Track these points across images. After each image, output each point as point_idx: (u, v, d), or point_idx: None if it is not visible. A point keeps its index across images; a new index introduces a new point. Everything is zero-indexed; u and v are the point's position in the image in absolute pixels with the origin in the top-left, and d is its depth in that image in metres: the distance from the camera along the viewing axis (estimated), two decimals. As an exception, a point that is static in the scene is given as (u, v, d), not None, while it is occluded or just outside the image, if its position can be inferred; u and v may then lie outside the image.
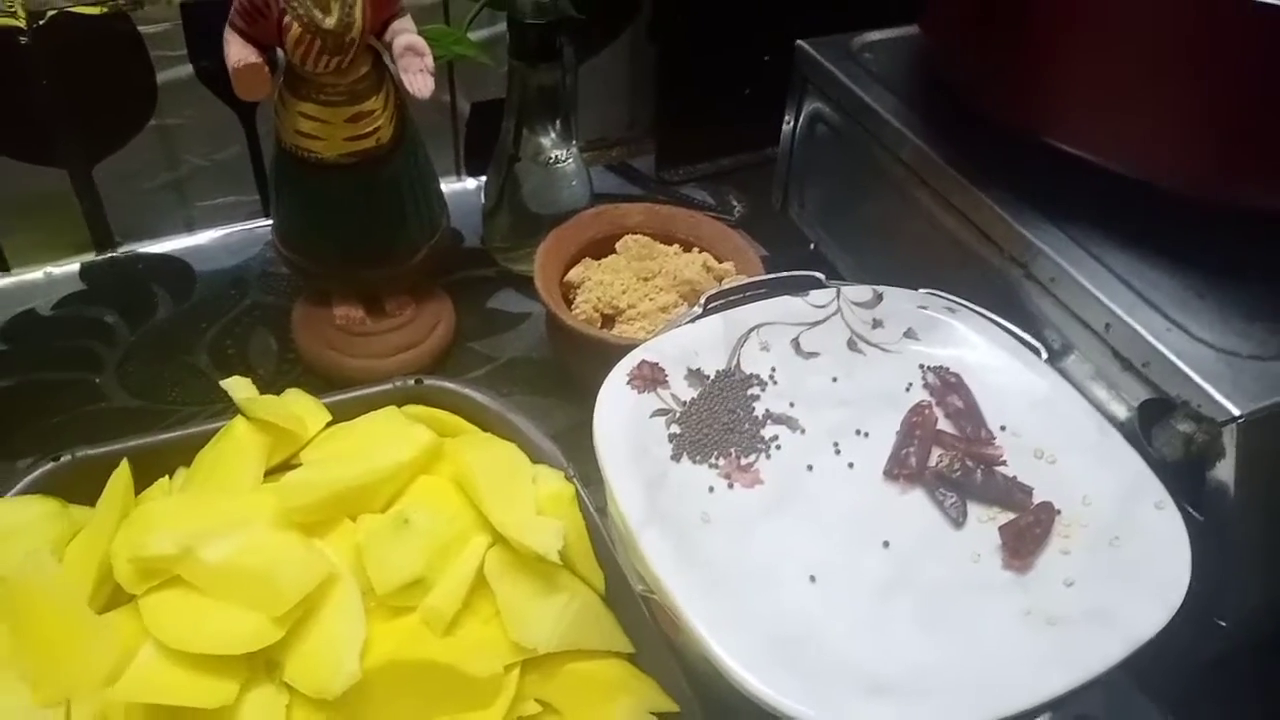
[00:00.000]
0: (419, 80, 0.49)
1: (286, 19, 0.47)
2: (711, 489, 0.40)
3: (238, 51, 0.47)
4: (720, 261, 0.58)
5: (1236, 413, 0.39)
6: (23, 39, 0.57)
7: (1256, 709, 0.46)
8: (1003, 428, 0.43)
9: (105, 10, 0.59)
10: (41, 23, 0.57)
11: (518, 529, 0.41)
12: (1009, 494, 0.40)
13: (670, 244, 0.60)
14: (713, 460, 0.40)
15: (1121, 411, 0.43)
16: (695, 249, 0.60)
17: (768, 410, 0.43)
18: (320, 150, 0.51)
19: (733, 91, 0.74)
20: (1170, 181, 0.44)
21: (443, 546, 0.41)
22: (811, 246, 0.65)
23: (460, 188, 0.74)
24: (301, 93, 0.50)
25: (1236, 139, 0.43)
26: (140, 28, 0.60)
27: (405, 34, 0.49)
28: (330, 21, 0.47)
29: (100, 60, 0.60)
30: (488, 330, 0.62)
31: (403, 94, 0.52)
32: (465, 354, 0.61)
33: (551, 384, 0.58)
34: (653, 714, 0.40)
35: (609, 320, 0.56)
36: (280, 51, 0.49)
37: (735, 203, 0.75)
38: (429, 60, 0.49)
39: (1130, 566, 0.38)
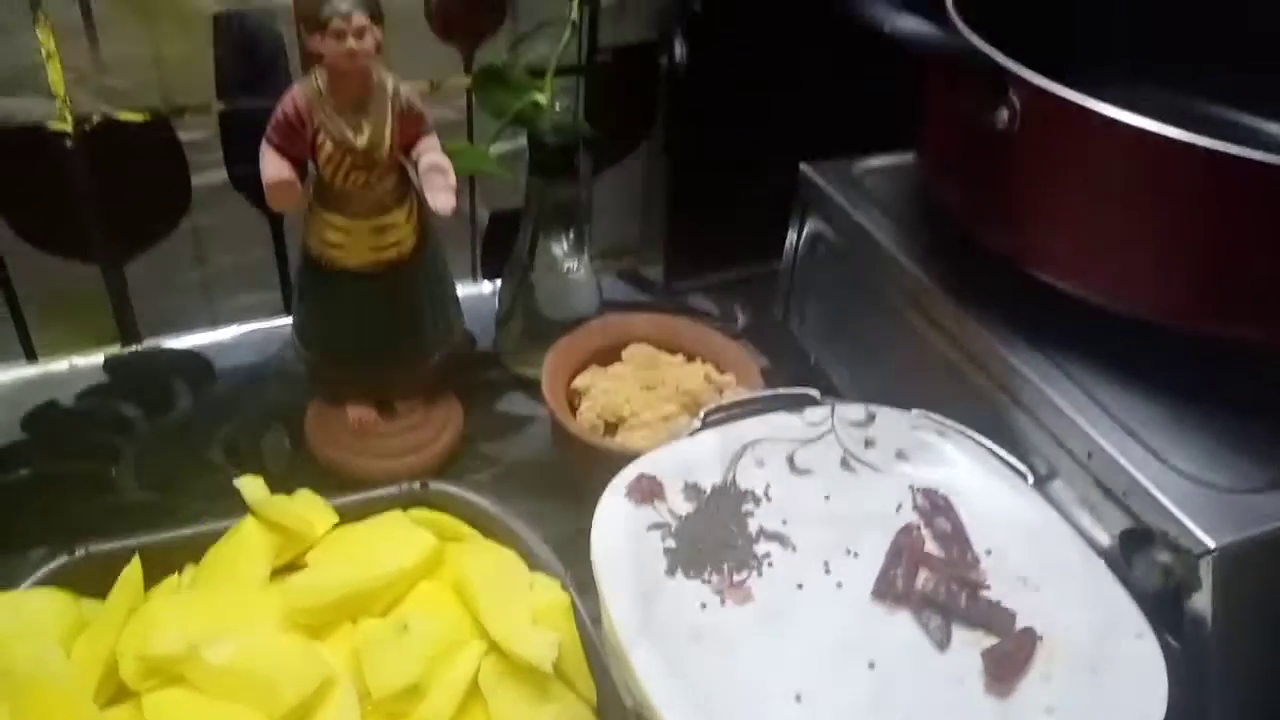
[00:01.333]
0: (441, 198, 0.51)
1: (320, 137, 0.50)
2: (704, 605, 0.41)
3: (274, 166, 0.50)
4: (722, 373, 0.60)
5: (1212, 545, 0.40)
6: (68, 142, 0.61)
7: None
8: (989, 552, 0.44)
9: (147, 118, 0.62)
10: (88, 128, 0.61)
11: (512, 639, 0.42)
12: (992, 618, 0.41)
13: (675, 353, 0.62)
14: (706, 576, 0.42)
15: (1104, 538, 0.45)
16: (699, 359, 0.62)
17: (761, 527, 0.44)
18: (345, 259, 0.53)
19: (741, 207, 0.77)
20: (1149, 313, 0.46)
21: (440, 653, 0.42)
22: (811, 360, 0.67)
23: (476, 291, 0.77)
24: (330, 204, 0.53)
25: (1209, 274, 0.45)
26: (180, 134, 0.63)
27: (431, 153, 0.52)
28: (362, 140, 0.50)
29: (140, 164, 0.63)
30: (495, 433, 0.64)
31: (425, 208, 0.55)
32: (473, 455, 0.62)
33: (554, 489, 0.60)
34: (640, 827, 0.41)
35: (612, 428, 0.58)
36: (311, 164, 0.53)
37: (740, 313, 0.77)
38: (451, 178, 0.52)
39: (1109, 696, 0.38)
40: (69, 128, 0.60)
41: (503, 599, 0.44)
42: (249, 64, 0.62)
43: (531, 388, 0.67)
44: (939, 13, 0.50)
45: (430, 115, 0.54)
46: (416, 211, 0.55)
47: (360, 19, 0.47)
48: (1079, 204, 0.46)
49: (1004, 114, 0.46)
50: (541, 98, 0.60)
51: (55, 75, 0.59)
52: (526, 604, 0.44)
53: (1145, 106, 0.43)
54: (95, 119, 0.61)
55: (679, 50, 0.69)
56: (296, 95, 0.49)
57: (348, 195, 0.52)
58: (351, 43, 0.47)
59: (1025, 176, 0.47)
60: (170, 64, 0.62)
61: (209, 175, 0.65)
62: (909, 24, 0.44)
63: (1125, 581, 0.42)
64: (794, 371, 0.65)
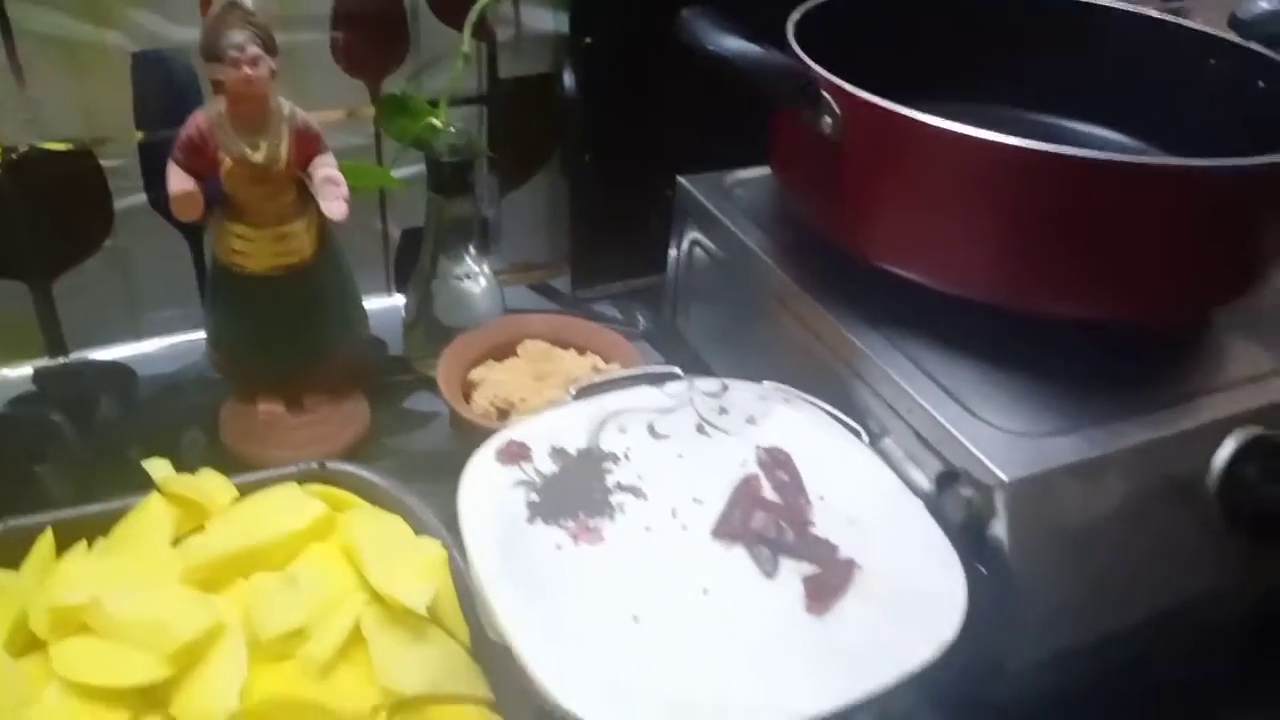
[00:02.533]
0: (334, 206, 0.56)
1: (221, 154, 0.55)
2: (559, 546, 0.45)
3: (178, 181, 0.55)
4: (608, 363, 0.65)
5: (1005, 479, 0.45)
6: (-4, 170, 0.65)
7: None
8: (821, 498, 0.49)
9: (71, 147, 0.67)
10: (14, 156, 0.66)
11: (391, 586, 0.47)
12: (815, 550, 0.46)
13: (567, 348, 0.67)
14: (562, 522, 0.46)
15: (924, 483, 0.50)
16: (589, 353, 0.67)
17: (618, 482, 0.49)
18: (249, 265, 0.58)
19: (638, 222, 0.83)
20: (964, 291, 0.52)
21: (324, 602, 0.46)
22: (698, 357, 0.73)
23: (391, 304, 0.82)
24: (235, 216, 0.58)
25: (1016, 259, 0.51)
26: (102, 162, 0.68)
27: (325, 168, 0.58)
28: (259, 157, 0.55)
29: (64, 189, 0.68)
30: (401, 428, 0.69)
31: (324, 217, 0.60)
32: (378, 448, 0.67)
33: (451, 474, 0.63)
34: (507, 754, 0.45)
35: (504, 414, 0.63)
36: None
37: (641, 319, 0.83)
38: (344, 190, 0.57)
39: (913, 612, 0.43)
40: (-2, 156, 0.65)
41: (386, 555, 0.49)
42: (166, 97, 0.68)
43: (436, 388, 0.72)
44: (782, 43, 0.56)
45: (324, 136, 0.59)
46: (316, 222, 0.60)
47: (254, 49, 0.53)
48: (899, 199, 0.53)
49: (828, 121, 0.52)
50: (437, 121, 0.66)
51: (-16, 108, 0.64)
52: (407, 559, 0.49)
53: (965, 116, 0.49)
54: (22, 148, 0.66)
55: (569, 80, 0.76)
56: (199, 119, 0.55)
57: (250, 206, 0.57)
58: (246, 70, 0.53)
59: (852, 177, 0.53)
60: (92, 98, 0.67)
61: (130, 199, 0.70)
62: (732, 44, 0.50)
63: (939, 518, 0.47)
64: (685, 369, 0.70)
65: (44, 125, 0.66)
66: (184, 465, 0.63)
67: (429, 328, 0.71)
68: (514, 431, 0.50)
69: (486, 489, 0.47)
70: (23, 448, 0.65)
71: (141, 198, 0.70)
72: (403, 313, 0.75)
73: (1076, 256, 0.51)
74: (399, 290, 0.82)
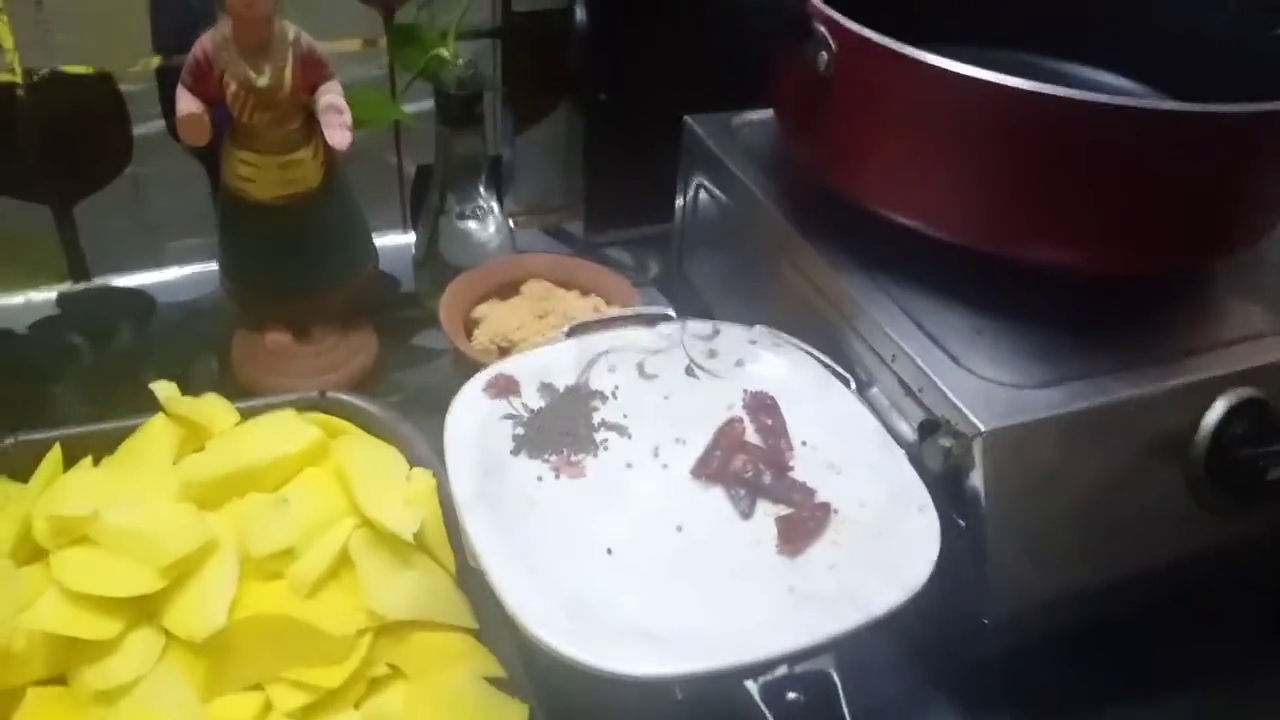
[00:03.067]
0: (337, 134, 0.57)
1: (226, 78, 0.56)
2: (540, 479, 0.46)
3: (185, 103, 0.56)
4: (610, 305, 0.66)
5: (983, 428, 0.46)
6: (19, 91, 0.67)
7: (1031, 701, 0.51)
8: (804, 443, 0.50)
9: (91, 71, 0.68)
10: (36, 79, 0.67)
11: (379, 511, 0.48)
12: (793, 495, 0.46)
13: (570, 289, 0.68)
14: (546, 456, 0.47)
15: (908, 432, 0.50)
16: (591, 294, 0.67)
17: (604, 419, 0.50)
18: (255, 192, 0.59)
19: (653, 166, 0.82)
20: (955, 237, 0.52)
21: (314, 524, 0.48)
22: (705, 304, 0.73)
23: (404, 240, 0.82)
24: (241, 142, 0.58)
25: (1009, 204, 0.50)
26: (121, 87, 0.69)
27: (330, 95, 0.58)
28: (263, 81, 0.56)
29: (85, 113, 0.69)
30: (408, 363, 0.70)
31: (331, 147, 0.61)
32: (384, 381, 0.68)
33: None
34: (485, 679, 0.46)
35: (504, 352, 0.63)
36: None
37: (652, 265, 0.83)
38: (347, 118, 0.58)
39: (885, 557, 0.44)
40: (19, 79, 0.66)
41: (376, 481, 0.50)
42: (183, 21, 0.68)
43: (445, 324, 0.73)
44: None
45: (338, 67, 0.60)
46: (322, 151, 0.61)
47: (256, -29, 0.53)
48: (891, 139, 0.52)
49: (824, 57, 0.51)
50: (445, 53, 0.66)
51: (5, 32, 0.65)
52: (397, 487, 0.50)
53: (967, 58, 0.48)
54: (43, 71, 0.67)
55: (581, 16, 0.75)
56: (205, 41, 0.55)
57: (256, 133, 0.58)
58: (249, -8, 0.53)
59: (845, 116, 0.53)
60: (111, 21, 0.68)
61: (149, 125, 0.71)
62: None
63: (919, 468, 0.48)
64: (693, 313, 0.71)
65: (64, 49, 0.67)
66: (194, 390, 0.65)
67: (437, 265, 0.72)
68: (503, 365, 0.51)
69: (473, 420, 0.48)
70: (42, 368, 0.67)
71: (160, 125, 0.71)
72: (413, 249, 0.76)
73: (1072, 203, 0.50)
74: (413, 227, 0.83)
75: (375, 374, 0.68)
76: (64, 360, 0.68)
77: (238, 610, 0.45)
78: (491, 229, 0.72)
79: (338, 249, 0.64)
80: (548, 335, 0.63)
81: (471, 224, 0.71)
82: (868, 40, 0.49)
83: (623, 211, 0.85)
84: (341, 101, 0.58)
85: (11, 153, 0.69)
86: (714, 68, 0.75)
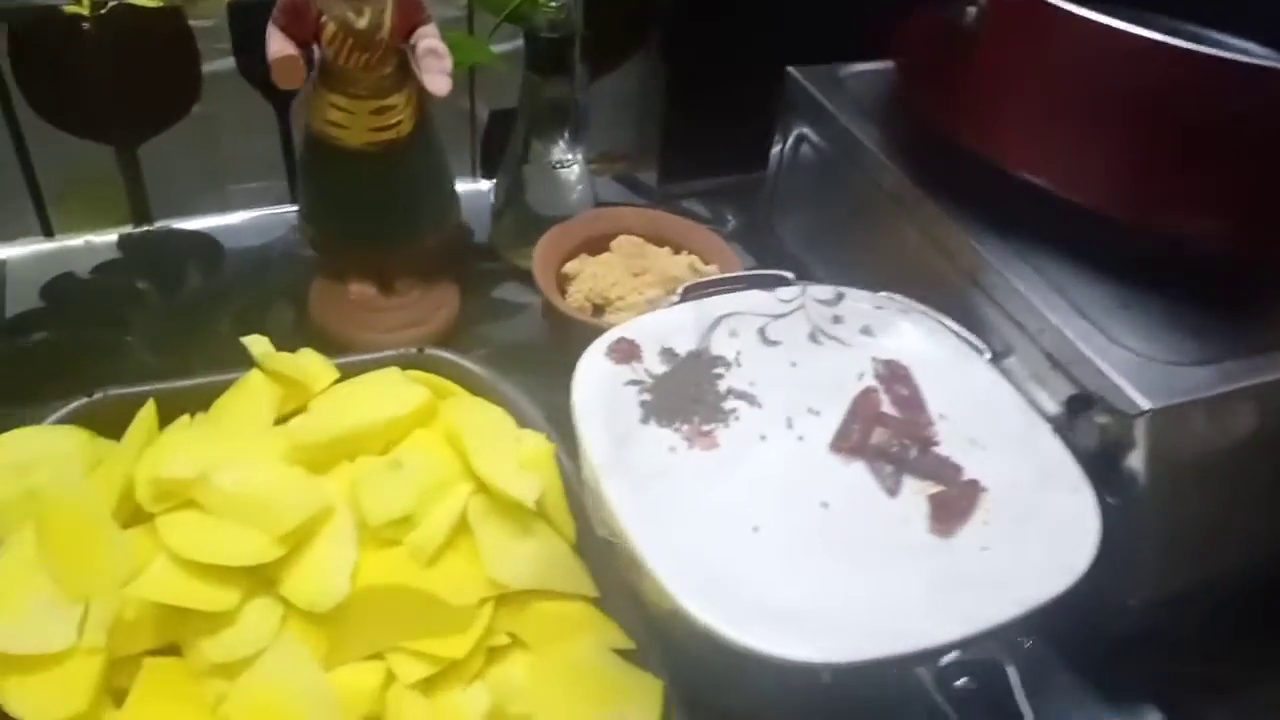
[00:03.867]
0: (437, 80, 0.54)
1: (323, 18, 0.52)
2: (673, 449, 0.44)
3: (278, 44, 0.52)
4: (706, 264, 0.63)
5: (1146, 407, 0.43)
6: (85, 25, 0.63)
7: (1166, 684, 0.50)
8: (942, 416, 0.47)
9: (161, 4, 0.64)
10: (103, 11, 0.63)
11: (499, 478, 0.46)
12: (940, 470, 0.44)
13: (662, 246, 0.65)
14: (676, 425, 0.45)
15: (1051, 406, 0.48)
16: (685, 251, 0.65)
17: (730, 387, 0.47)
18: (345, 138, 0.56)
19: (735, 114, 0.79)
20: (1104, 205, 0.49)
21: (430, 489, 0.46)
22: (793, 262, 0.70)
23: (475, 188, 0.79)
24: (332, 85, 0.55)
25: (1158, 169, 0.47)
26: (191, 22, 0.66)
27: (429, 39, 0.55)
28: (362, 23, 0.52)
29: (152, 49, 0.66)
30: (490, 317, 0.67)
31: (424, 94, 0.58)
32: (468, 336, 0.65)
33: (543, 366, 0.62)
34: (612, 650, 0.44)
35: (599, 310, 0.61)
36: (316, 47, 0.55)
37: (730, 218, 0.80)
38: (447, 63, 0.54)
39: (1041, 540, 0.42)
40: (85, 11, 0.63)
41: (491, 446, 0.48)
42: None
43: (526, 278, 0.70)
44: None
45: (431, 8, 0.56)
46: (415, 97, 0.58)
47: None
48: (1040, 99, 0.49)
49: (970, 11, 0.48)
50: (538, -6, 0.63)
51: (72, -41, 0.61)
52: (513, 451, 0.48)
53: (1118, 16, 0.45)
54: (110, 3, 0.63)
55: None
56: (302, -23, 0.52)
57: (350, 76, 0.55)
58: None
59: (991, 73, 0.50)
60: (183, -49, 0.64)
61: (218, 63, 0.68)
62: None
63: (1067, 442, 0.45)
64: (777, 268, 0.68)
65: (133, -20, 0.63)
66: (274, 342, 0.63)
67: (519, 215, 0.69)
68: (624, 330, 0.48)
69: (599, 385, 0.45)
70: (111, 315, 0.65)
71: (230, 62, 0.68)
72: (490, 199, 0.73)
73: (1226, 174, 0.47)
74: (484, 175, 0.80)
75: (458, 329, 0.66)
76: (131, 307, 0.66)
77: (358, 580, 0.43)
78: (575, 176, 0.69)
79: (427, 199, 0.61)
80: (647, 295, 0.60)
81: (556, 173, 0.68)
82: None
83: (699, 161, 0.82)
84: (442, 45, 0.54)
85: (76, 88, 0.65)
86: (804, 16, 0.71)
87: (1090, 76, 0.47)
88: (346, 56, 0.53)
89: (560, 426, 0.49)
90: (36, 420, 0.55)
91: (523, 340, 0.66)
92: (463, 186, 0.78)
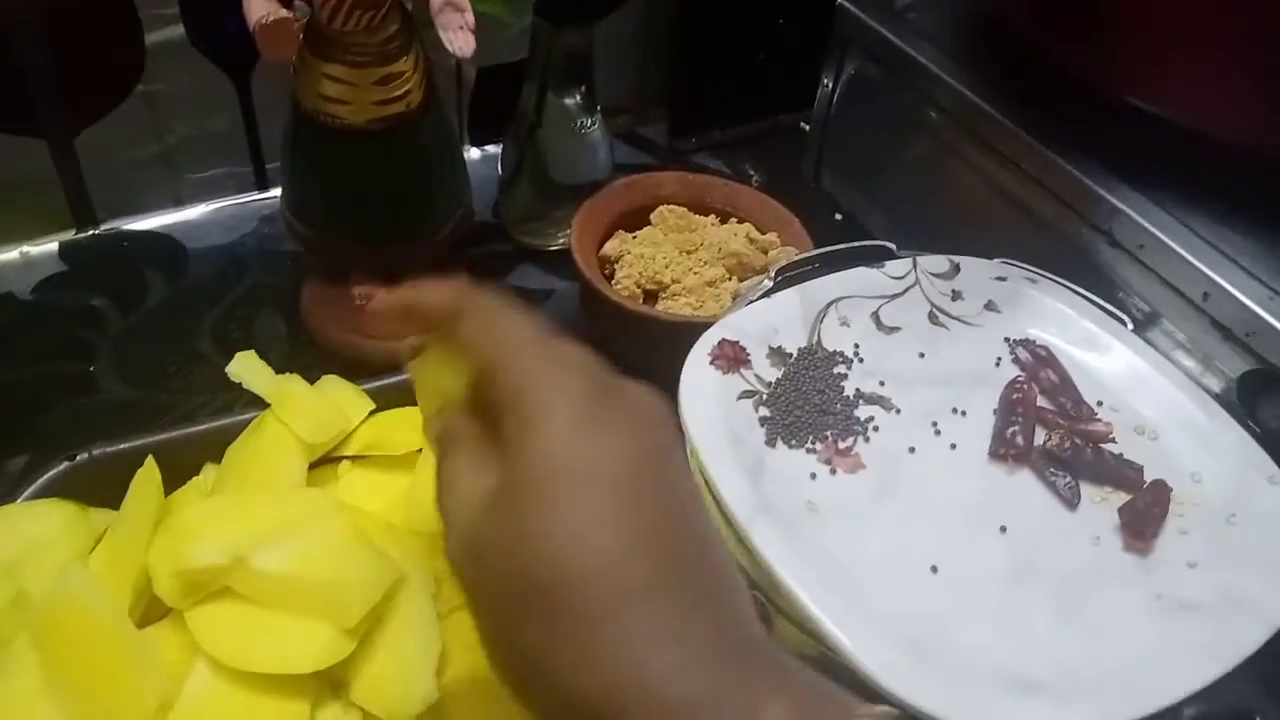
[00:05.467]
0: (460, 37, 0.45)
1: (314, -31, 0.42)
2: (814, 475, 0.37)
3: (261, 5, 0.43)
4: (763, 233, 0.55)
5: (1356, 383, 0.37)
6: (-2, -4, 0.52)
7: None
8: (1100, 403, 0.41)
9: (89, -36, 0.53)
10: (20, -24, 0.52)
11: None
12: (1121, 473, 0.38)
13: (706, 214, 0.57)
14: (810, 445, 0.38)
15: (1216, 384, 0.42)
16: (733, 219, 0.57)
17: (858, 389, 0.40)
18: (346, 115, 0.47)
19: (747, 57, 0.71)
20: (1260, 141, 0.43)
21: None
22: (838, 217, 0.63)
23: (465, 157, 0.70)
24: (327, 53, 0.45)
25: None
26: (129, -16, 0.55)
27: (443, -12, 0.45)
28: (364, -27, 0.43)
29: (85, 21, 0.54)
30: (509, 309, 0.59)
31: (431, 57, 0.48)
32: (490, 335, 0.57)
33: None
34: None
35: (652, 296, 0.53)
36: (298, 6, 0.45)
37: (752, 171, 0.72)
38: (469, 16, 0.45)
39: (1254, 545, 0.36)
40: (-2, -24, 0.52)
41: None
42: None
43: (542, 259, 0.62)
44: None
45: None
46: (423, 60, 0.48)
47: None
48: (1186, 19, 0.42)
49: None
50: (550, -71, 0.53)
51: (-24, -90, 0.50)
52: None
53: None
54: (29, -36, 0.52)
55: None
56: (287, -81, 0.42)
57: (347, 41, 0.45)
58: None
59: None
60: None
61: (164, 31, 0.57)
62: None
63: (1247, 425, 0.39)
64: (823, 229, 0.60)
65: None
66: (269, 360, 0.53)
67: (536, 187, 0.60)
68: (722, 329, 0.41)
69: (709, 403, 0.38)
70: (65, 343, 0.54)
71: (178, 30, 0.57)
72: (488, 170, 0.64)
73: None
74: (474, 143, 0.70)
75: (478, 326, 0.57)
76: (87, 330, 0.55)
77: (446, 672, 0.35)
78: (596, 137, 0.60)
79: (440, 181, 0.52)
80: (707, 276, 0.52)
81: (575, 136, 0.59)
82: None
83: (711, 112, 0.73)
84: (461, -3, 0.45)
85: (-5, 73, 0.54)
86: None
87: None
88: (345, 17, 0.44)
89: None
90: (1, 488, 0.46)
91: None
92: (453, 157, 0.69)
